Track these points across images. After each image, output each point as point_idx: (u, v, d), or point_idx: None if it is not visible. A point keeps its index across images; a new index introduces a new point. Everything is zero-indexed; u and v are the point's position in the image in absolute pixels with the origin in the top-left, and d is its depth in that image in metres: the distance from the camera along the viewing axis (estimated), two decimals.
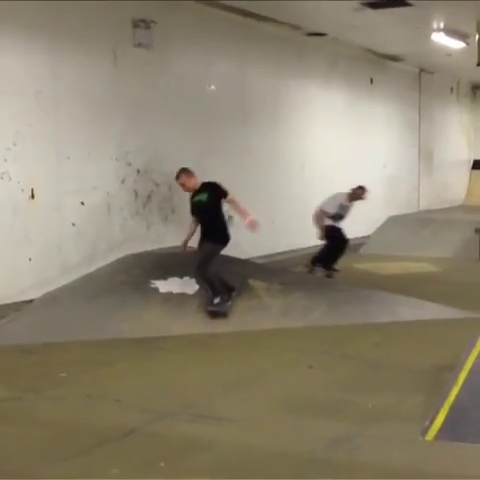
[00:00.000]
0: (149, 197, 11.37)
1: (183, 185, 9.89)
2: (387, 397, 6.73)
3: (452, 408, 6.01)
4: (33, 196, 9.71)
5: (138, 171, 11.19)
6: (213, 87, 12.79)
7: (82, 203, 10.36)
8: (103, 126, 10.69)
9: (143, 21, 11.07)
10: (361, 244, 17.08)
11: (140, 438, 5.84)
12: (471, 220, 16.99)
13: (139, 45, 11.10)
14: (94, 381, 7.28)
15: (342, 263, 14.40)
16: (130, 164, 11.06)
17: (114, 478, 5.07)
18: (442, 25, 14.13)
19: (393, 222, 18.27)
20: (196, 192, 9.85)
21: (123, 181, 10.98)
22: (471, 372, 6.56)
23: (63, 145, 10.11)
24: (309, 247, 15.20)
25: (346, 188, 16.80)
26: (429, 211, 20.26)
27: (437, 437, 5.68)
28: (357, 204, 17.19)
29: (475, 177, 24.15)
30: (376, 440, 5.74)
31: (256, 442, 5.71)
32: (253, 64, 13.79)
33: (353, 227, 17.02)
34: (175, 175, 9.84)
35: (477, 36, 13.94)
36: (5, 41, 9.43)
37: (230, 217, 13.14)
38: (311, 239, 15.45)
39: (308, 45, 15.33)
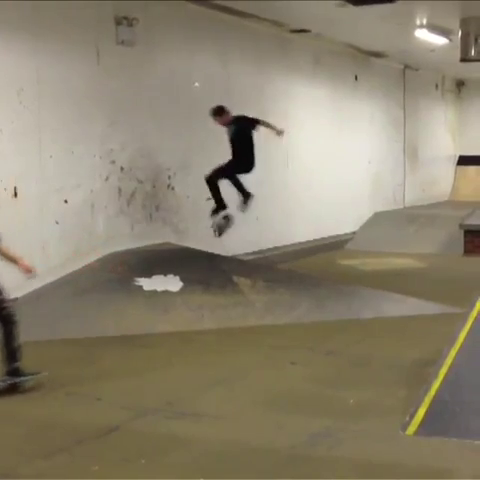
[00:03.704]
0: (133, 195, 11.34)
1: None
2: (369, 392, 6.76)
3: (433, 403, 6.04)
4: (16, 194, 9.67)
5: (122, 169, 11.16)
6: (197, 84, 12.77)
7: (65, 201, 10.33)
8: (86, 124, 10.65)
9: (126, 18, 11.03)
10: (347, 240, 17.13)
11: (121, 435, 5.85)
12: (456, 216, 17.05)
13: (122, 42, 11.06)
14: (76, 379, 7.26)
15: (328, 259, 14.47)
16: (114, 162, 11.03)
17: (93, 475, 5.08)
18: (425, 21, 14.16)
19: (378, 218, 18.33)
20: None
21: (107, 179, 10.95)
22: (452, 366, 6.59)
23: (46, 143, 10.07)
24: (293, 244, 15.26)
25: (331, 184, 16.91)
26: (414, 207, 20.31)
27: (418, 432, 5.71)
28: (343, 200, 17.32)
29: (460, 173, 24.22)
30: (357, 435, 5.76)
31: (237, 438, 5.73)
32: (237, 61, 13.77)
33: (339, 223, 17.12)
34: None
35: (460, 32, 13.96)
36: None
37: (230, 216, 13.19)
38: (296, 235, 15.51)
39: (292, 42, 15.32)
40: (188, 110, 12.53)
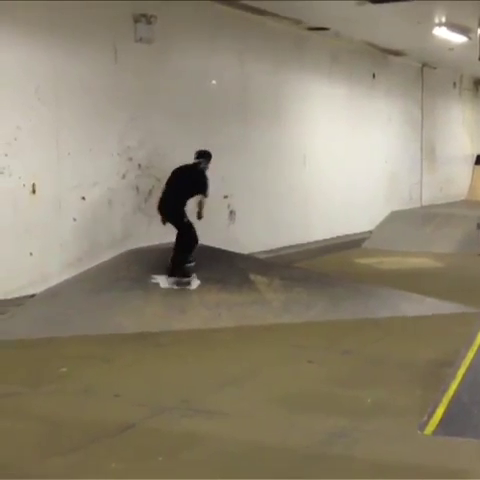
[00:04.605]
0: (150, 192, 11.37)
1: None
2: (385, 392, 6.73)
3: (451, 403, 6.01)
4: (34, 191, 9.72)
5: (139, 166, 11.19)
6: (214, 82, 12.78)
7: (83, 198, 10.37)
8: (104, 121, 10.69)
9: (144, 16, 11.06)
10: (363, 239, 17.09)
11: (138, 433, 5.85)
12: (473, 215, 16.98)
13: (140, 40, 11.09)
14: (93, 376, 7.28)
15: (344, 258, 14.42)
16: (131, 159, 11.06)
17: (110, 473, 5.09)
18: (444, 20, 14.10)
19: (395, 217, 18.26)
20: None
21: (124, 176, 10.98)
22: (470, 367, 6.57)
23: (64, 140, 10.11)
24: (310, 243, 15.24)
25: (347, 183, 16.87)
26: (431, 206, 20.24)
27: (435, 432, 5.68)
28: (359, 199, 17.26)
29: (478, 172, 24.10)
30: (373, 435, 5.74)
31: (253, 437, 5.72)
32: (254, 59, 13.77)
33: (355, 222, 17.08)
34: None
35: (479, 30, 13.89)
36: (5, 36, 9.43)
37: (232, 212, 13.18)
38: (313, 234, 15.49)
39: (309, 40, 15.30)
40: (205, 108, 12.55)
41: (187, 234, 10.22)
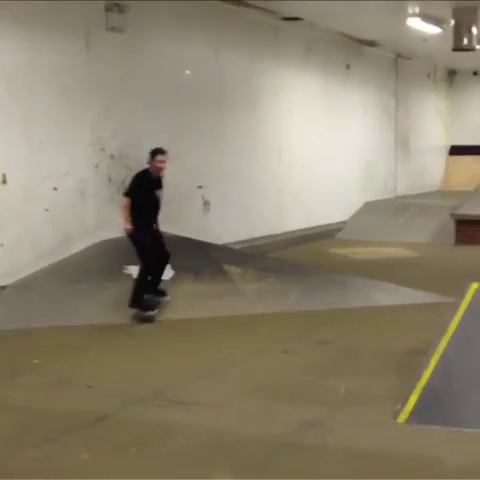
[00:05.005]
0: (123, 182, 11.25)
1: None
2: (360, 381, 6.75)
3: (424, 391, 6.03)
4: (5, 181, 9.60)
5: (112, 156, 11.10)
6: (188, 72, 12.70)
7: (55, 189, 10.27)
8: (76, 111, 10.58)
9: (116, 5, 10.95)
10: (338, 229, 17.12)
11: (111, 423, 5.83)
12: (447, 205, 17.05)
13: (112, 29, 10.98)
14: (67, 367, 7.24)
15: (319, 248, 14.42)
16: (104, 149, 10.96)
17: (84, 463, 5.05)
18: (418, 10, 14.10)
19: (370, 207, 18.33)
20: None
21: (97, 166, 10.89)
22: (443, 356, 6.58)
23: (36, 130, 10.00)
24: (284, 233, 15.23)
25: (323, 174, 16.87)
26: (406, 196, 20.30)
27: (409, 420, 5.71)
28: (334, 189, 17.27)
29: (452, 163, 24.22)
30: (347, 423, 5.76)
31: (227, 427, 5.71)
32: (228, 49, 13.70)
33: (330, 212, 17.10)
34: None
35: (453, 21, 13.92)
36: None
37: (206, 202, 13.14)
38: (288, 224, 15.48)
39: (284, 30, 15.25)
40: (179, 98, 12.46)
41: (143, 255, 9.16)
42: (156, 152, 9.23)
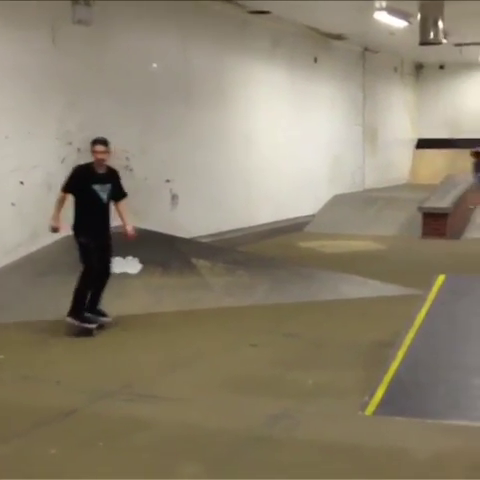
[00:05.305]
0: None
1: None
2: (328, 374, 6.77)
3: (391, 383, 6.08)
4: None
5: (79, 150, 11.02)
6: (155, 65, 12.65)
7: (22, 183, 10.19)
8: (43, 105, 10.49)
9: None
10: (307, 222, 17.17)
11: (79, 419, 5.80)
12: (414, 198, 17.17)
13: (78, 22, 10.89)
14: (34, 362, 7.20)
15: (287, 241, 14.44)
16: (71, 143, 10.89)
17: (51, 459, 5.02)
18: (384, 4, 14.16)
19: (338, 200, 18.41)
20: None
21: (63, 160, 10.81)
22: (410, 348, 6.64)
23: (2, 124, 9.90)
24: (253, 226, 15.24)
25: (291, 167, 16.90)
26: (374, 189, 20.41)
27: (376, 412, 5.75)
28: (302, 182, 17.31)
29: (419, 156, 24.39)
30: (315, 416, 5.78)
31: (195, 421, 5.71)
32: (196, 42, 13.66)
33: (299, 206, 17.14)
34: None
35: (419, 15, 13.99)
36: None
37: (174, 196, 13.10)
38: (256, 218, 15.49)
39: (251, 24, 15.24)
40: (147, 91, 12.42)
41: (83, 259, 8.26)
42: (94, 142, 8.30)
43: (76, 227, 8.29)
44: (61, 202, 8.30)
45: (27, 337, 8.04)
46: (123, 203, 8.62)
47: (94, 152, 8.26)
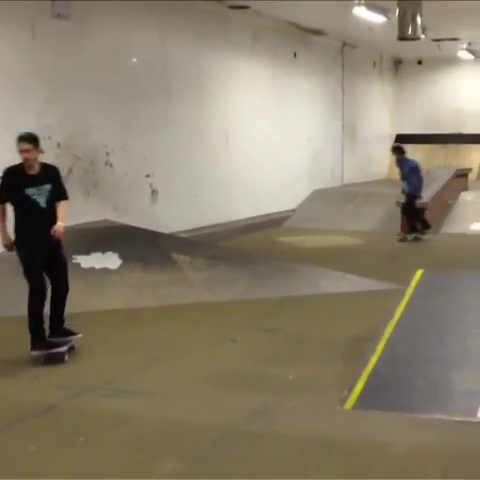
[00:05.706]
0: (70, 171, 11.19)
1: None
2: (307, 369, 6.81)
3: (370, 377, 6.12)
4: None
5: (58, 145, 11.00)
6: (135, 60, 12.62)
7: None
8: (22, 99, 10.44)
9: None
10: (286, 218, 17.20)
11: (59, 414, 5.80)
12: (393, 193, 17.16)
13: (58, 16, 10.85)
14: (11, 358, 7.17)
15: (267, 236, 14.46)
16: (50, 138, 10.83)
17: (30, 455, 5.02)
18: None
19: (317, 196, 18.45)
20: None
21: (43, 155, 10.76)
22: (389, 342, 6.69)
23: None
24: (233, 221, 15.26)
25: (270, 162, 16.92)
26: (353, 185, 20.48)
27: (355, 406, 5.78)
28: (282, 178, 17.34)
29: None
30: (295, 411, 5.81)
31: (176, 416, 5.72)
32: (175, 37, 13.64)
33: (278, 201, 17.17)
34: None
35: (398, 11, 14.04)
36: None
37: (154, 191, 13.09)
38: (236, 213, 15.51)
39: (231, 19, 15.24)
40: (126, 86, 12.39)
41: (25, 276, 7.18)
42: (17, 139, 7.06)
43: (16, 241, 7.12)
44: (1, 215, 7.14)
45: (6, 333, 7.99)
46: (63, 204, 7.23)
47: (19, 151, 7.01)
